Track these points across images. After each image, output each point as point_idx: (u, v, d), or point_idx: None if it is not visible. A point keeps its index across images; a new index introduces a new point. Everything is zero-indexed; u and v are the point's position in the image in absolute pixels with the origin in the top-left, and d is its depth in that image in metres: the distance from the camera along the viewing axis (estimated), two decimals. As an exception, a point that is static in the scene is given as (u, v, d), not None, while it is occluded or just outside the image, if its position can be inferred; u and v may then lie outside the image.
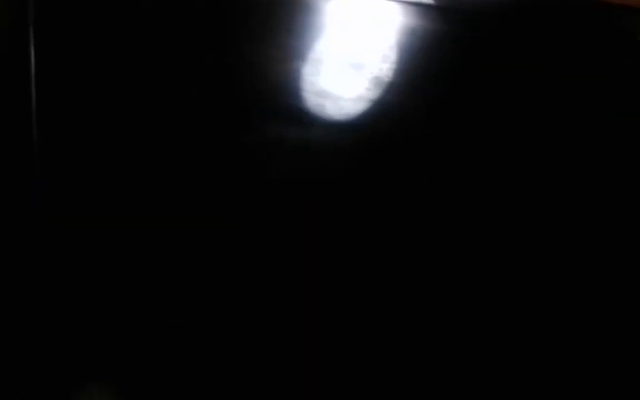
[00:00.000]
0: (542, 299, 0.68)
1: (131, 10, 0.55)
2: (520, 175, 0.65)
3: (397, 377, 0.66)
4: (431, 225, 0.64)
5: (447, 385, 0.68)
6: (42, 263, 0.56)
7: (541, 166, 0.65)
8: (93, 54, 0.55)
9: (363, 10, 0.59)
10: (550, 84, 0.64)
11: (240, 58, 0.58)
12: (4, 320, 0.56)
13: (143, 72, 0.56)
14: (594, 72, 0.65)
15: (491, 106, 0.64)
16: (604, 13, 0.65)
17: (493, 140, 0.65)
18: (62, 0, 0.53)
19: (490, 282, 0.67)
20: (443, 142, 0.64)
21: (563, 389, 0.69)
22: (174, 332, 0.61)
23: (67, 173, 0.56)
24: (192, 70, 0.57)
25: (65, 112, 0.55)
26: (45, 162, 0.55)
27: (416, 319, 0.66)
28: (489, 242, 0.66)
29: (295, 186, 0.61)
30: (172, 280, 0.60)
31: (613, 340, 0.69)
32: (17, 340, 0.56)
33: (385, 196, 0.63)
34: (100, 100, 0.56)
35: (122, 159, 0.57)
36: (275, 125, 0.59)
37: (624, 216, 0.67)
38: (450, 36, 0.61)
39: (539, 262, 0.67)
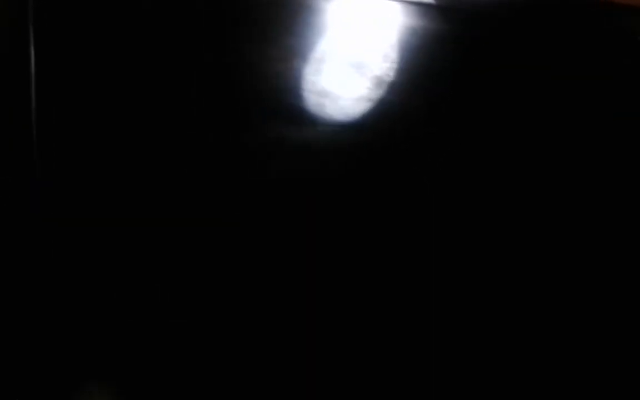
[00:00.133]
0: (544, 299, 0.68)
1: (131, 9, 0.55)
2: (521, 174, 0.65)
3: (397, 377, 0.66)
4: (433, 225, 0.65)
5: (447, 385, 0.68)
6: (42, 263, 0.56)
7: (542, 165, 0.65)
8: (93, 53, 0.55)
9: (364, 9, 0.59)
10: (550, 84, 0.64)
11: (240, 58, 0.58)
12: (4, 320, 0.56)
13: (143, 71, 0.56)
14: (594, 71, 0.65)
15: (492, 106, 0.64)
16: (604, 12, 0.65)
17: (494, 140, 0.65)
18: (62, 0, 0.53)
19: (491, 281, 0.67)
20: (444, 141, 0.64)
21: (563, 389, 0.69)
22: (174, 332, 0.61)
23: (67, 173, 0.56)
24: (193, 70, 0.57)
25: (66, 112, 0.55)
26: (45, 162, 0.55)
27: (418, 318, 0.66)
28: (490, 241, 0.66)
29: (296, 186, 0.61)
30: (172, 280, 0.60)
31: (613, 340, 0.69)
32: (17, 340, 0.56)
33: (387, 196, 0.63)
34: (101, 100, 0.56)
35: (122, 158, 0.57)
36: (275, 125, 0.59)
37: (624, 216, 0.67)
38: (452, 36, 0.61)
39: (540, 262, 0.67)
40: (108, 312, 0.59)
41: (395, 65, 0.60)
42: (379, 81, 0.60)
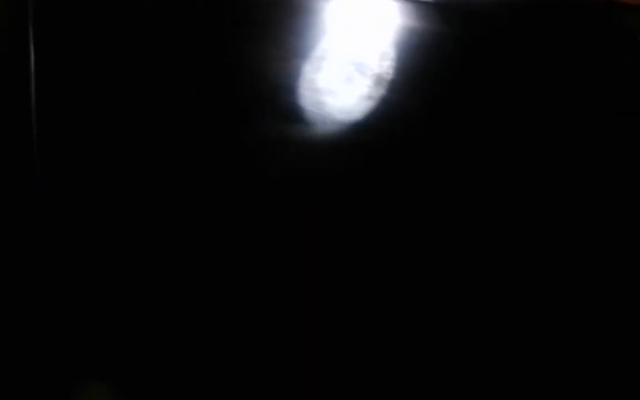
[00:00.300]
0: (545, 300, 0.68)
1: (131, 9, 0.55)
2: (521, 174, 0.65)
3: (397, 377, 0.66)
4: (432, 225, 0.65)
5: (447, 385, 0.68)
6: (42, 263, 0.56)
7: (541, 165, 0.65)
8: (93, 53, 0.55)
9: (363, 9, 0.59)
10: (549, 83, 0.64)
11: (240, 58, 0.58)
12: (4, 320, 0.56)
13: (143, 71, 0.56)
14: (594, 71, 0.65)
15: (492, 106, 0.64)
16: (604, 12, 0.65)
17: (494, 140, 0.65)
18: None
19: (491, 281, 0.67)
20: (444, 142, 0.64)
21: (563, 389, 0.69)
22: (174, 332, 0.61)
23: (67, 173, 0.56)
24: (192, 70, 0.57)
25: (65, 111, 0.55)
26: (45, 162, 0.55)
27: (417, 319, 0.66)
28: (490, 241, 0.66)
29: (295, 186, 0.61)
30: (172, 280, 0.60)
31: (613, 340, 0.69)
32: (17, 340, 0.56)
33: (386, 196, 0.63)
34: (101, 100, 0.56)
35: (122, 158, 0.57)
36: (274, 125, 0.59)
37: (624, 216, 0.67)
38: (453, 36, 0.61)
39: (541, 262, 0.67)
40: (108, 312, 0.59)
41: (394, 65, 0.60)
42: (378, 81, 0.60)
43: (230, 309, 0.62)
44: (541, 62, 0.63)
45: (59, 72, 0.55)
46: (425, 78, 0.61)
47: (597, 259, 0.68)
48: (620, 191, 0.67)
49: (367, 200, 0.63)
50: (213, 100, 0.58)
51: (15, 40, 0.53)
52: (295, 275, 0.63)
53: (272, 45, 0.57)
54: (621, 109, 0.66)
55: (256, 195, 0.60)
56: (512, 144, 0.65)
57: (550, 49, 0.63)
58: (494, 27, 0.63)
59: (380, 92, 0.60)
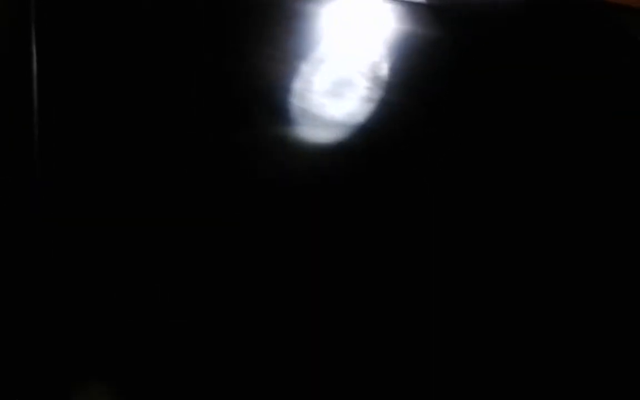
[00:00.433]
0: (545, 300, 0.68)
1: (131, 10, 0.55)
2: (521, 175, 0.65)
3: (398, 377, 0.66)
4: (430, 226, 0.65)
5: (448, 385, 0.68)
6: (42, 263, 0.56)
7: (542, 166, 0.65)
8: (94, 53, 0.55)
9: (361, 11, 0.59)
10: (549, 84, 0.64)
11: (240, 60, 0.58)
12: (4, 320, 0.56)
13: (144, 72, 0.56)
14: (593, 72, 0.65)
15: (492, 107, 0.64)
16: (602, 13, 0.65)
17: (494, 142, 0.65)
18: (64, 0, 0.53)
19: (491, 282, 0.67)
20: (443, 143, 0.64)
21: (563, 388, 0.69)
22: (174, 332, 0.60)
23: (68, 173, 0.56)
24: (193, 70, 0.57)
25: (67, 112, 0.55)
26: (47, 162, 0.55)
27: (417, 320, 0.66)
28: (490, 243, 0.66)
29: (292, 187, 0.61)
30: (172, 280, 0.60)
31: (613, 340, 0.69)
32: (17, 340, 0.56)
33: (384, 197, 0.63)
34: (102, 100, 0.56)
35: (123, 158, 0.57)
36: (272, 126, 0.59)
37: (624, 216, 0.67)
38: (452, 38, 0.61)
39: (541, 263, 0.67)
40: (108, 312, 0.58)
41: (393, 67, 0.60)
42: (377, 82, 0.60)
43: (229, 308, 0.62)
44: (540, 63, 0.64)
45: (61, 71, 0.55)
46: (424, 80, 0.62)
47: (596, 257, 0.68)
48: (620, 191, 0.67)
49: (366, 202, 0.63)
50: (211, 100, 0.58)
51: (17, 39, 0.53)
52: (293, 277, 0.63)
53: (270, 47, 0.58)
54: (621, 109, 0.66)
55: (255, 196, 0.60)
56: (512, 145, 0.65)
57: (548, 50, 0.64)
58: (493, 28, 0.63)
59: (379, 94, 0.60)
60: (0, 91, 0.54)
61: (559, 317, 0.68)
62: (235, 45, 0.57)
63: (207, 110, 0.58)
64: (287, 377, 0.64)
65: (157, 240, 0.59)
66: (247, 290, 0.62)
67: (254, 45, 0.58)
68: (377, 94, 0.60)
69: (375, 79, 0.60)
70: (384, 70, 0.60)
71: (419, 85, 0.62)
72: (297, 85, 0.59)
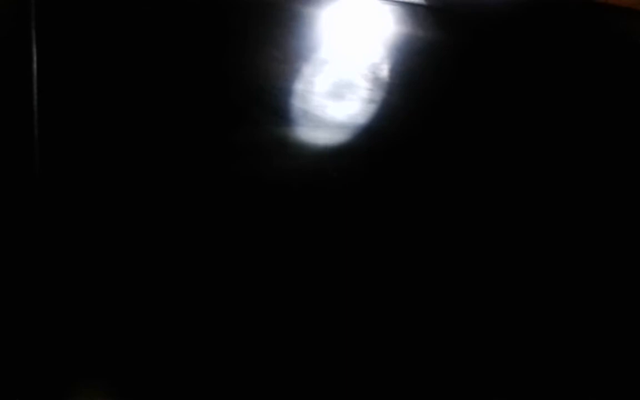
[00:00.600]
0: (546, 300, 0.68)
1: (132, 12, 0.55)
2: (521, 176, 0.66)
3: (398, 377, 0.66)
4: (428, 228, 0.65)
5: (448, 385, 0.68)
6: (42, 263, 0.56)
7: (543, 167, 0.66)
8: (95, 54, 0.55)
9: (362, 13, 0.59)
10: (549, 86, 0.64)
11: (241, 61, 0.58)
12: (4, 320, 0.56)
13: (145, 73, 0.56)
14: (594, 75, 0.65)
15: (492, 108, 0.64)
16: (602, 15, 0.66)
17: (494, 143, 0.65)
18: (64, 0, 0.53)
19: (491, 283, 0.67)
20: (442, 144, 0.64)
21: (562, 388, 0.69)
22: (173, 332, 0.61)
23: (68, 174, 0.56)
24: (193, 72, 0.57)
25: (67, 112, 0.55)
26: (47, 163, 0.55)
27: (417, 321, 0.66)
28: (490, 244, 0.67)
29: (292, 188, 0.61)
30: (172, 281, 0.60)
31: (613, 340, 0.69)
32: (17, 340, 0.56)
33: (384, 198, 0.63)
34: (103, 100, 0.56)
35: (123, 159, 0.57)
36: (272, 127, 0.59)
37: (625, 217, 0.68)
38: (452, 39, 0.61)
39: (542, 264, 0.67)
40: (108, 312, 0.59)
41: (393, 68, 0.60)
42: (376, 84, 0.60)
43: (229, 309, 0.62)
44: (540, 65, 0.64)
45: (61, 72, 0.55)
46: (424, 81, 0.62)
47: (596, 258, 0.68)
48: (621, 191, 0.67)
49: (366, 202, 0.63)
50: (212, 102, 0.58)
51: (18, 40, 0.53)
52: (292, 278, 0.63)
53: (271, 48, 0.58)
54: (622, 112, 0.66)
55: (255, 196, 0.61)
56: (513, 145, 0.65)
57: (549, 52, 0.64)
58: (493, 30, 0.63)
59: (380, 95, 0.61)
60: (0, 91, 0.54)
61: (559, 317, 0.68)
62: (236, 46, 0.58)
63: (208, 111, 0.58)
64: (287, 377, 0.64)
65: (159, 240, 0.59)
66: (247, 291, 0.62)
67: (256, 46, 0.58)
68: (377, 95, 0.60)
69: (375, 80, 0.60)
70: (385, 71, 0.60)
71: (419, 86, 0.62)
72: (298, 86, 0.59)
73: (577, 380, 0.70)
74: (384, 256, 0.65)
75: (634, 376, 0.69)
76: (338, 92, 0.60)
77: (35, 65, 0.54)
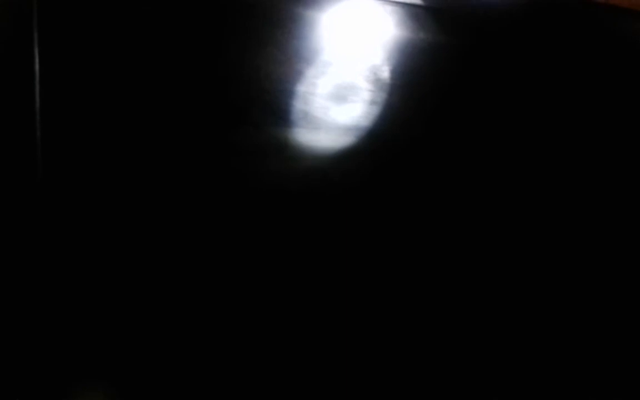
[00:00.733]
0: (546, 300, 0.67)
1: (134, 14, 0.56)
2: (520, 177, 0.65)
3: (398, 377, 0.66)
4: (431, 229, 0.65)
5: (449, 384, 0.67)
6: (44, 264, 0.57)
7: (543, 168, 0.65)
8: (96, 56, 0.55)
9: (364, 15, 0.59)
10: (550, 87, 0.64)
11: (243, 62, 0.58)
12: (5, 320, 0.56)
13: (147, 75, 0.57)
14: (593, 74, 0.65)
15: (492, 110, 0.64)
16: (604, 15, 0.65)
17: (494, 144, 0.65)
18: (66, 3, 0.54)
19: (493, 285, 0.67)
20: (443, 147, 0.64)
21: (563, 388, 0.69)
22: (172, 333, 0.61)
23: (70, 175, 0.56)
24: (194, 74, 0.58)
25: (69, 113, 0.56)
26: (49, 164, 0.56)
27: (418, 321, 0.66)
28: (492, 247, 0.66)
29: (292, 189, 0.61)
30: (172, 282, 0.60)
31: (613, 339, 0.69)
32: (17, 340, 0.56)
33: (385, 199, 0.63)
34: (105, 102, 0.56)
35: (126, 159, 0.57)
36: (274, 128, 0.60)
37: (625, 216, 0.67)
38: (452, 39, 0.62)
39: (543, 267, 0.67)
40: (108, 313, 0.59)
41: (394, 69, 0.60)
42: (377, 85, 0.60)
43: (228, 310, 0.62)
44: (541, 66, 0.64)
45: (63, 74, 0.55)
46: (426, 82, 0.62)
47: (596, 257, 0.68)
48: (621, 191, 0.67)
49: (367, 203, 0.63)
50: (214, 104, 0.58)
51: (20, 42, 0.54)
52: (295, 279, 0.63)
53: (272, 50, 0.58)
54: (624, 112, 0.66)
55: (255, 197, 0.61)
56: (513, 146, 0.65)
57: (549, 52, 0.64)
58: (493, 31, 0.63)
59: (381, 96, 0.61)
60: (3, 93, 0.54)
61: (559, 317, 0.68)
62: (238, 48, 0.58)
63: (210, 113, 0.59)
64: (288, 378, 0.64)
65: (160, 241, 0.59)
66: (247, 293, 0.62)
67: (258, 48, 0.58)
68: (378, 96, 0.60)
69: (376, 81, 0.60)
70: (386, 72, 0.60)
71: (420, 87, 0.62)
72: (299, 87, 0.59)
73: (577, 381, 0.69)
74: (387, 256, 0.64)
75: (634, 376, 0.68)
76: (339, 94, 0.60)
77: (37, 68, 0.54)
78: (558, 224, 0.67)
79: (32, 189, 0.56)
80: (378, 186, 0.63)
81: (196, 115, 0.58)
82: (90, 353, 0.58)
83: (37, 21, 0.53)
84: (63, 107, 0.55)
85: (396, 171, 0.63)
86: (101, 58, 0.55)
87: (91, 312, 0.58)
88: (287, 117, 0.59)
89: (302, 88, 0.59)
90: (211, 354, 0.62)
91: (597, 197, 0.67)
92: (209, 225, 0.60)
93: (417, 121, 0.63)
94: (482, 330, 0.67)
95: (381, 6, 0.59)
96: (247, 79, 0.58)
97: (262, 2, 0.57)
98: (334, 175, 0.61)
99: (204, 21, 0.57)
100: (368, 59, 0.60)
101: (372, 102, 0.60)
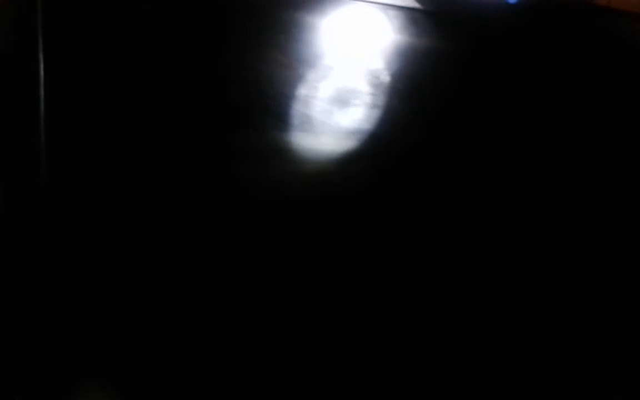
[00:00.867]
0: (546, 301, 0.67)
1: (137, 17, 0.56)
2: (521, 179, 0.65)
3: (399, 377, 0.65)
4: (430, 233, 0.64)
5: (448, 385, 0.67)
6: (46, 265, 0.57)
7: (544, 172, 0.65)
8: (100, 58, 0.56)
9: (365, 19, 0.60)
10: (550, 90, 0.64)
11: (246, 65, 0.59)
12: (5, 320, 0.56)
13: (150, 76, 0.57)
14: (594, 77, 0.65)
15: (494, 114, 0.64)
16: (605, 18, 0.66)
17: (495, 147, 0.65)
18: (70, 5, 0.54)
19: (493, 287, 0.66)
20: (443, 150, 0.64)
21: (562, 388, 0.68)
22: (172, 335, 0.60)
23: (74, 178, 0.57)
24: (199, 77, 0.58)
25: (73, 117, 0.56)
26: (53, 167, 0.56)
27: (417, 323, 0.66)
28: (493, 249, 0.66)
29: (293, 192, 0.61)
30: (173, 283, 0.60)
31: (613, 339, 0.68)
32: (17, 340, 0.56)
33: (385, 202, 0.63)
34: (108, 105, 0.57)
35: (129, 163, 0.58)
36: (275, 132, 0.60)
37: (625, 218, 0.67)
38: (458, 45, 0.62)
39: (544, 272, 0.67)
40: (108, 314, 0.59)
41: (395, 73, 0.60)
42: (379, 89, 0.60)
43: (228, 311, 0.62)
44: (542, 69, 0.64)
45: (68, 77, 0.56)
46: (427, 86, 0.62)
47: (596, 259, 0.67)
48: (622, 193, 0.66)
49: (367, 206, 0.63)
50: (216, 106, 0.59)
51: (25, 45, 0.54)
52: (294, 283, 0.63)
53: (273, 54, 0.58)
54: (622, 116, 0.66)
55: (254, 200, 0.61)
56: (513, 149, 0.65)
57: (550, 55, 0.64)
58: (494, 35, 0.63)
59: (382, 100, 0.61)
60: (8, 96, 0.55)
61: (559, 317, 0.67)
62: (240, 51, 0.58)
63: (211, 116, 0.59)
64: (287, 379, 0.63)
65: (163, 244, 0.59)
66: (249, 296, 0.62)
67: (259, 51, 0.59)
68: (380, 100, 0.61)
69: (378, 85, 0.60)
70: (388, 77, 0.60)
71: (421, 91, 0.62)
72: (301, 91, 0.59)
73: (577, 381, 0.68)
74: (389, 260, 0.64)
75: (633, 376, 0.67)
76: (341, 98, 0.60)
77: (42, 72, 0.55)
78: (561, 230, 0.66)
79: (37, 192, 0.56)
80: (379, 191, 0.63)
81: (199, 119, 0.59)
82: (90, 353, 0.58)
83: (42, 23, 0.54)
84: (67, 110, 0.56)
85: (398, 176, 0.63)
86: (105, 62, 0.56)
87: (91, 313, 0.58)
88: (288, 120, 0.60)
89: (303, 92, 0.59)
90: (211, 356, 0.62)
91: (598, 199, 0.66)
92: (211, 229, 0.60)
93: (419, 125, 0.63)
94: (483, 331, 0.67)
95: (383, 11, 0.60)
96: (249, 82, 0.59)
97: (264, 5, 0.58)
98: (335, 179, 0.61)
99: (209, 25, 0.57)
100: (370, 63, 0.60)
101: (374, 106, 0.61)
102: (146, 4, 0.56)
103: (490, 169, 0.64)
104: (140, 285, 0.59)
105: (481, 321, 0.67)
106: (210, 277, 0.61)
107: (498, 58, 0.63)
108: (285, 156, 0.60)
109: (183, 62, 0.58)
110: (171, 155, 0.59)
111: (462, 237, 0.65)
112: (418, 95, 0.61)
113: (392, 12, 0.60)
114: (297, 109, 0.59)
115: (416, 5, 0.59)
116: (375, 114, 0.61)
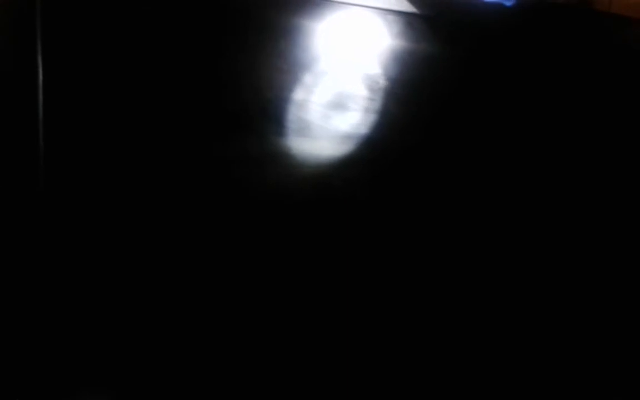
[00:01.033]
0: (547, 302, 0.67)
1: (137, 20, 0.56)
2: (521, 182, 0.65)
3: (399, 378, 0.66)
4: (429, 237, 0.64)
5: (448, 385, 0.67)
6: (45, 267, 0.57)
7: (545, 176, 0.65)
8: (99, 60, 0.56)
9: (364, 23, 0.60)
10: (550, 95, 0.64)
11: (245, 70, 0.58)
12: (6, 320, 0.56)
13: (148, 79, 0.57)
14: (595, 83, 0.65)
15: (493, 119, 0.64)
16: (605, 24, 0.65)
17: (493, 150, 0.65)
18: (69, 8, 0.54)
19: (493, 290, 0.66)
20: (442, 154, 0.64)
21: (562, 388, 0.68)
22: (171, 336, 0.61)
23: (73, 179, 0.57)
24: (199, 79, 0.58)
25: (72, 120, 0.56)
26: (51, 168, 0.56)
27: (419, 323, 0.66)
28: (493, 251, 0.66)
29: (293, 196, 0.61)
30: (173, 284, 0.60)
31: (613, 339, 0.68)
32: (17, 340, 0.57)
33: (384, 206, 0.63)
34: (106, 107, 0.56)
35: (127, 165, 0.58)
36: (273, 137, 0.60)
37: (626, 221, 0.67)
38: (456, 50, 0.62)
39: (545, 275, 0.67)
40: (108, 315, 0.59)
41: (393, 78, 0.60)
42: (376, 94, 0.60)
43: (227, 314, 0.62)
44: (541, 74, 0.64)
45: (66, 80, 0.55)
46: (427, 92, 0.62)
47: (597, 264, 0.67)
48: (623, 200, 0.67)
49: (367, 210, 0.63)
50: (217, 109, 0.59)
51: (23, 49, 0.54)
52: (293, 288, 0.63)
53: (271, 59, 0.58)
54: (622, 120, 0.66)
55: (254, 203, 0.61)
56: (512, 153, 0.65)
57: (549, 61, 0.64)
58: (493, 40, 0.63)
59: (380, 104, 0.61)
60: (6, 97, 0.55)
61: (558, 317, 0.67)
62: (237, 55, 0.58)
63: (209, 119, 0.59)
64: (288, 378, 0.63)
65: (161, 247, 0.60)
66: (248, 300, 0.62)
67: (257, 56, 0.58)
68: (378, 105, 0.61)
69: (376, 90, 0.60)
70: (385, 81, 0.60)
71: (420, 96, 0.62)
72: (299, 96, 0.59)
73: (577, 381, 0.68)
74: (387, 264, 0.64)
75: (633, 376, 0.67)
76: (338, 103, 0.60)
77: (40, 74, 0.55)
78: (560, 233, 0.66)
79: (35, 193, 0.56)
80: (377, 195, 0.63)
81: (197, 122, 0.59)
82: (89, 353, 0.59)
83: (41, 24, 0.53)
84: (66, 111, 0.56)
85: (397, 180, 0.63)
86: (104, 62, 0.56)
87: (91, 314, 0.58)
88: (286, 125, 0.60)
89: (301, 96, 0.59)
90: (210, 358, 0.62)
91: (596, 203, 0.67)
92: (209, 233, 0.60)
93: (418, 130, 0.63)
94: (482, 331, 0.67)
95: (381, 16, 0.59)
96: (247, 86, 0.59)
97: (262, 10, 0.58)
98: (333, 183, 0.61)
99: (207, 28, 0.57)
100: (368, 67, 0.60)
101: (372, 111, 0.61)
102: (145, 5, 0.55)
103: (489, 172, 0.65)
104: (139, 287, 0.59)
105: (481, 321, 0.67)
106: (208, 281, 0.61)
107: (496, 62, 0.63)
108: (282, 161, 0.60)
109: (181, 65, 0.57)
110: (169, 159, 0.59)
111: (460, 241, 0.65)
112: (416, 99, 0.61)
113: (390, 17, 0.59)
114: (295, 114, 0.59)
115: (413, 9, 0.59)
116: (374, 118, 0.61)
